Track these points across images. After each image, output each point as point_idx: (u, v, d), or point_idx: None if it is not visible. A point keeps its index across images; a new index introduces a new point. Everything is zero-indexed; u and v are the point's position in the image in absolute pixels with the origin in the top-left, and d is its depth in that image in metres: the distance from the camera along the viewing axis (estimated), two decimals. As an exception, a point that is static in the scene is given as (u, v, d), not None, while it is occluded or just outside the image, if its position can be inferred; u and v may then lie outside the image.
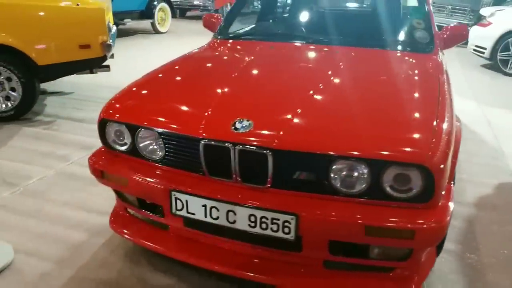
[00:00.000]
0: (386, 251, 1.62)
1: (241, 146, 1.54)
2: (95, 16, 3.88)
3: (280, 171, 1.53)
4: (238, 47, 2.61)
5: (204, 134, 1.59)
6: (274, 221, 1.53)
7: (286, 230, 1.52)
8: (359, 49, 2.44)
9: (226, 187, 1.62)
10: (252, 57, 2.32)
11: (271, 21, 3.09)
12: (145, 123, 1.74)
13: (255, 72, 2.16)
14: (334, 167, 1.50)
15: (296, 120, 1.58)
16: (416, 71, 2.21)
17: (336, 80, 1.96)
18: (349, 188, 1.51)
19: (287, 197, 1.56)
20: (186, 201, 1.64)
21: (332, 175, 1.51)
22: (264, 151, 1.51)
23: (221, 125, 1.60)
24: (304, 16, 3.05)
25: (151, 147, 1.76)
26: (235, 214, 1.57)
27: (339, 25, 2.67)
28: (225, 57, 2.48)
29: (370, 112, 1.67)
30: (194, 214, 1.65)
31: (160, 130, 1.70)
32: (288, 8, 3.34)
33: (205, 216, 1.63)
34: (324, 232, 1.52)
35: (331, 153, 1.48)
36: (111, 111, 1.82)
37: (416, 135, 1.51)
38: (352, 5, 3.46)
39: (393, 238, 1.47)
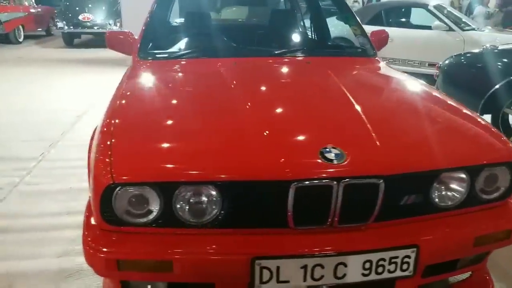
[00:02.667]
0: (469, 257, 1.57)
1: (347, 180, 1.23)
2: None
3: (387, 201, 1.30)
4: (195, 67, 2.15)
5: (295, 175, 1.22)
6: (393, 260, 1.29)
7: (405, 266, 1.30)
8: (321, 58, 2.32)
9: (322, 237, 1.29)
10: (234, 77, 1.93)
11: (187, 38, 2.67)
12: (193, 177, 1.23)
13: (262, 93, 1.81)
14: (436, 183, 1.36)
15: (383, 140, 1.37)
16: (389, 72, 2.23)
17: (354, 91, 1.80)
18: (447, 201, 1.39)
19: (397, 229, 1.34)
20: (278, 268, 1.23)
21: (434, 192, 1.36)
22: (376, 181, 1.25)
23: (311, 160, 1.26)
24: (235, 28, 2.77)
25: (196, 207, 1.26)
26: (345, 266, 1.26)
27: (285, 35, 2.51)
28: (201, 80, 1.99)
29: (430, 122, 1.58)
30: (288, 281, 1.25)
31: (218, 181, 1.23)
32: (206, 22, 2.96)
33: (304, 280, 1.26)
34: (439, 257, 1.37)
35: (439, 168, 1.33)
36: (128, 172, 1.23)
37: (490, 136, 1.50)
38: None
39: (495, 242, 1.43)
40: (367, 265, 1.27)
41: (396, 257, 1.28)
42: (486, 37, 6.07)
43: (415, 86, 2.01)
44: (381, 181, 1.25)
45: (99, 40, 10.91)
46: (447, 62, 4.13)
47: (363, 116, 1.50)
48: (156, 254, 1.24)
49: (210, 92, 1.80)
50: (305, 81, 2.01)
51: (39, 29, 12.33)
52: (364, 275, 1.28)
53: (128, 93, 1.83)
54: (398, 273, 1.30)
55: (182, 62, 2.19)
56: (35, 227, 2.31)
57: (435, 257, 1.36)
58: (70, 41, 10.69)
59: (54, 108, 4.82)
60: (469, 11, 9.64)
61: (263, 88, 1.88)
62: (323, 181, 1.23)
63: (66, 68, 7.56)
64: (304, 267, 1.24)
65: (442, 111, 1.72)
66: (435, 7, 6.53)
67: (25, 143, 3.63)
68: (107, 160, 1.27)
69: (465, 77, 4.00)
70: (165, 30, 2.54)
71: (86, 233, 1.31)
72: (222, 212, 1.26)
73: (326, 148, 1.29)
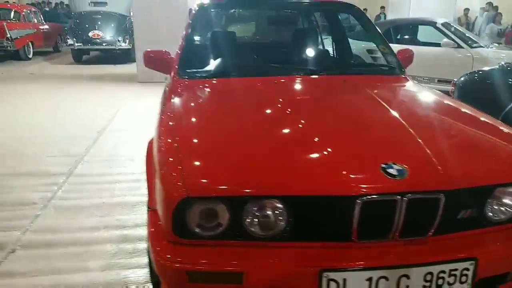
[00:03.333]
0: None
1: (411, 195, 1.29)
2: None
3: (445, 215, 1.35)
4: (237, 86, 2.22)
5: (361, 191, 1.28)
6: (453, 272, 1.34)
7: (464, 279, 1.35)
8: (354, 76, 2.40)
9: (385, 250, 1.34)
10: (279, 96, 2.00)
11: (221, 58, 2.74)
12: (261, 191, 1.29)
13: (311, 110, 1.87)
14: (490, 197, 1.42)
15: (438, 156, 1.43)
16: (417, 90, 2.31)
17: (396, 108, 1.87)
18: (500, 215, 1.45)
19: (455, 242, 1.39)
20: (344, 280, 1.28)
21: (488, 206, 1.42)
22: (437, 195, 1.31)
23: (374, 175, 1.32)
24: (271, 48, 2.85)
25: (264, 220, 1.32)
26: (408, 278, 1.31)
27: (316, 54, 2.59)
28: (247, 98, 2.05)
29: (477, 137, 1.66)
30: (353, 293, 1.30)
31: (285, 196, 1.29)
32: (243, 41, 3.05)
33: (369, 292, 1.30)
34: (494, 269, 1.42)
35: (497, 182, 1.40)
36: (201, 187, 1.29)
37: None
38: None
39: None
40: (428, 277, 1.32)
41: (456, 270, 1.33)
42: (494, 54, 6.21)
43: (451, 102, 2.09)
44: (442, 195, 1.31)
45: (107, 56, 11.11)
46: (462, 79, 4.22)
47: (412, 132, 1.57)
48: (227, 266, 1.29)
49: (260, 110, 1.87)
50: (347, 98, 2.09)
51: (47, 46, 12.47)
52: (425, 287, 1.33)
53: (180, 111, 1.89)
54: (457, 285, 1.35)
55: (222, 81, 2.26)
56: (76, 241, 2.35)
57: (490, 269, 1.40)
58: (79, 57, 10.83)
59: (73, 123, 4.89)
60: (473, 27, 9.84)
61: (311, 106, 1.95)
62: (388, 196, 1.29)
63: (78, 84, 7.66)
64: (369, 279, 1.29)
65: (485, 126, 1.79)
66: (443, 24, 6.68)
67: (51, 158, 3.68)
68: (178, 175, 1.33)
69: (481, 94, 4.06)
70: (202, 49, 2.62)
71: (156, 244, 1.36)
72: (289, 225, 1.32)
73: (386, 163, 1.35)
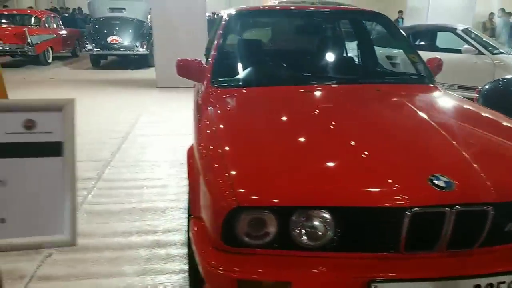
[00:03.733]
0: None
1: (460, 207, 1.30)
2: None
3: (494, 227, 1.36)
4: (272, 95, 2.24)
5: (411, 203, 1.29)
6: (500, 285, 1.33)
7: (511, 292, 1.35)
8: (387, 85, 2.41)
9: (433, 261, 1.35)
10: (316, 105, 2.03)
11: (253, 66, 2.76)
12: (310, 202, 1.31)
13: (350, 120, 1.89)
14: None
15: (484, 168, 1.43)
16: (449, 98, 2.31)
17: (434, 118, 1.88)
18: None
19: (502, 254, 1.39)
20: (393, 291, 1.29)
21: None
22: (486, 208, 1.32)
23: (423, 187, 1.33)
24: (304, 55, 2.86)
25: (312, 231, 1.34)
26: (456, 290, 1.31)
27: (348, 62, 2.61)
28: (285, 107, 2.06)
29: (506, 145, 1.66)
30: (401, 305, 1.31)
31: (334, 207, 1.31)
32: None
33: (417, 303, 1.31)
34: None
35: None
36: (251, 196, 1.32)
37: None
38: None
39: None
40: (476, 289, 1.32)
41: (503, 282, 1.33)
42: (517, 61, 6.16)
43: (487, 113, 2.09)
44: (491, 208, 1.32)
45: (124, 61, 11.25)
46: (487, 86, 4.19)
47: (455, 144, 1.57)
48: (276, 275, 1.31)
49: (300, 120, 1.89)
50: (385, 108, 2.10)
51: (65, 51, 12.68)
52: (473, 300, 1.33)
53: (218, 119, 1.91)
54: (505, 298, 1.35)
55: (257, 90, 2.29)
56: (110, 246, 2.39)
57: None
58: (97, 62, 10.98)
59: (96, 129, 4.95)
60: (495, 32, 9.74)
61: (350, 115, 1.96)
62: (438, 208, 1.30)
63: (97, 89, 7.77)
64: (417, 290, 1.30)
65: (501, 135, 1.79)
66: (463, 31, 6.64)
67: (79, 163, 3.73)
68: (227, 184, 1.35)
69: (506, 102, 4.04)
70: (234, 57, 2.65)
71: (205, 253, 1.38)
72: (336, 236, 1.33)
73: (434, 175, 1.36)
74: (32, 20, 11.32)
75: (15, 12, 12.37)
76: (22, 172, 0.91)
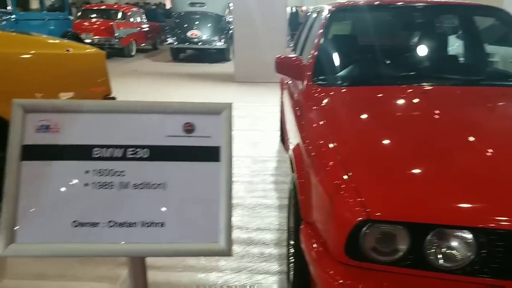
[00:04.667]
0: None
1: None
2: (94, 63, 3.00)
3: None
4: (380, 94, 2.12)
5: None
6: None
7: None
8: (509, 89, 2.18)
9: None
10: (435, 108, 1.85)
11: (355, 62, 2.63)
12: (451, 221, 1.19)
13: (480, 128, 1.72)
14: None
15: None
16: None
17: None
18: None
19: None
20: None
21: None
22: None
23: None
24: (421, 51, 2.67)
25: (450, 251, 1.21)
26: None
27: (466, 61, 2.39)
28: (398, 109, 1.95)
29: None
30: None
31: (477, 227, 1.17)
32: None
33: None
34: None
35: None
36: (382, 209, 1.22)
37: None
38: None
39: None
40: None
41: None
42: None
43: None
44: None
45: (201, 55, 11.57)
46: None
47: None
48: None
49: (422, 124, 1.75)
50: None
51: (147, 44, 13.30)
52: None
53: (329, 120, 1.82)
54: None
55: (363, 89, 2.17)
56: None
57: None
58: (176, 55, 11.38)
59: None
60: None
61: (479, 122, 1.78)
62: None
63: (178, 82, 8.03)
64: None
65: None
66: None
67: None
68: (354, 195, 1.26)
69: None
70: (337, 55, 2.54)
71: (325, 265, 1.31)
72: (478, 258, 1.20)
73: None
74: (119, 14, 11.99)
75: (104, 7, 13.20)
76: (181, 176, 0.89)
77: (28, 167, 0.92)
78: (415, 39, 2.83)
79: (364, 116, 1.90)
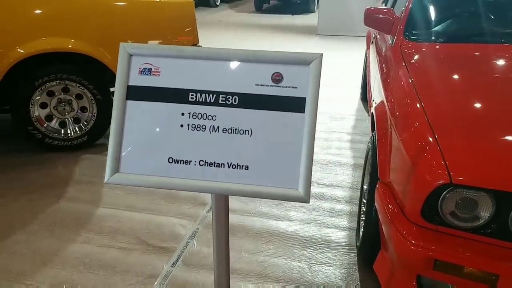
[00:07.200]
0: None
1: None
2: (183, 12, 3.10)
3: None
4: (477, 53, 1.97)
5: None
6: None
7: None
8: None
9: None
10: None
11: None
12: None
13: None
14: None
15: None
16: None
17: None
18: None
19: None
20: None
21: None
22: None
23: None
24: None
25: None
26: None
27: None
28: (494, 71, 1.82)
29: None
30: None
31: None
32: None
33: None
34: None
35: None
36: (467, 174, 1.19)
37: None
38: None
39: None
40: None
41: None
42: None
43: None
44: None
45: (283, 6, 11.37)
46: None
47: None
48: (483, 264, 1.19)
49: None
50: None
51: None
52: None
53: (418, 77, 1.74)
54: None
55: (456, 46, 2.02)
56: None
57: None
58: (260, 6, 11.30)
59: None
60: None
61: None
62: None
63: (260, 33, 8.02)
64: None
65: None
66: None
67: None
68: (439, 157, 1.23)
69: None
70: (432, 9, 2.37)
71: (400, 226, 1.32)
72: None
73: None
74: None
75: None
76: (266, 124, 0.94)
77: (132, 105, 1.02)
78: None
79: (457, 76, 1.79)
